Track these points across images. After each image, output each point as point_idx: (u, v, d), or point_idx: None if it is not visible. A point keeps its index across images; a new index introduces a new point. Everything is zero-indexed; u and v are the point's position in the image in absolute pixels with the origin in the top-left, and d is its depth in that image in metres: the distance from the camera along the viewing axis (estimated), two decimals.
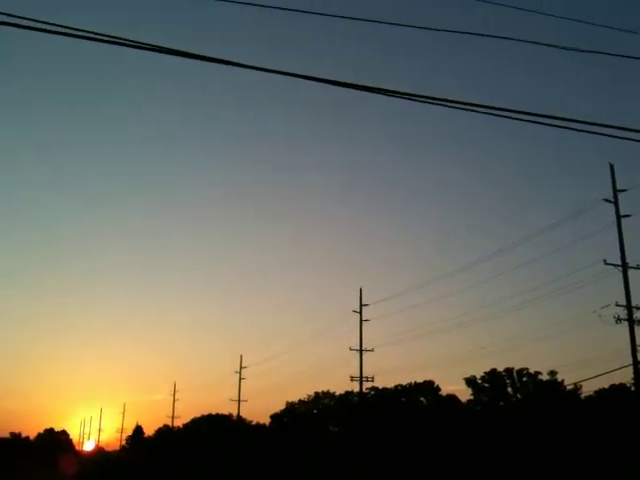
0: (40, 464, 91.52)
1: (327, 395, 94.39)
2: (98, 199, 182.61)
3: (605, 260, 36.83)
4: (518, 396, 79.03)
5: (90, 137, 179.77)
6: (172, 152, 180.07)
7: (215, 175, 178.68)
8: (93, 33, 8.01)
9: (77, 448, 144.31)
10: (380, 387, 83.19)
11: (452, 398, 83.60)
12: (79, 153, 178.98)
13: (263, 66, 8.81)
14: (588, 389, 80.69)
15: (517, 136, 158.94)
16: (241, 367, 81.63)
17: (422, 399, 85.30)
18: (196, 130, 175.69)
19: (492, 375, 79.26)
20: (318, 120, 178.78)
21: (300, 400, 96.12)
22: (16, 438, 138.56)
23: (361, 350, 56.37)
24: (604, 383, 70.59)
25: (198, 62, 8.50)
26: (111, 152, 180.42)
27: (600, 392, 68.06)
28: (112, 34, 8.14)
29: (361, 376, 56.18)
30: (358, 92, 8.94)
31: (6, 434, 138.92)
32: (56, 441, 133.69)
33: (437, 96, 9.19)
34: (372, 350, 56.82)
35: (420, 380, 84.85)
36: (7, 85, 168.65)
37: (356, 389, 60.53)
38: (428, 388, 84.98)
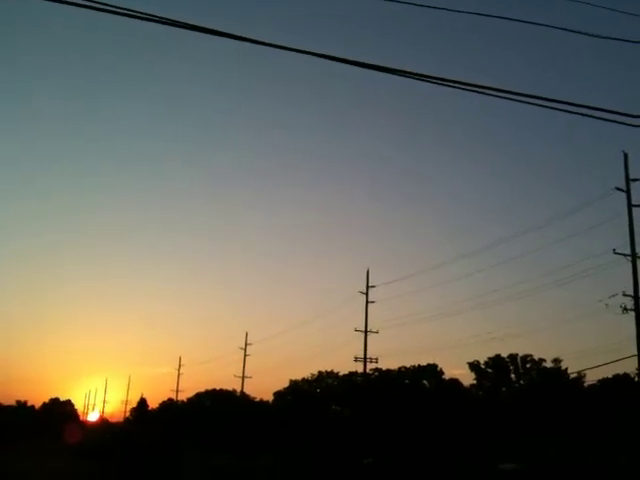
0: (45, 432, 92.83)
1: (331, 375, 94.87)
2: (103, 172, 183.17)
3: (614, 249, 36.59)
4: (521, 382, 79.20)
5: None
6: (175, 123, 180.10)
7: (221, 153, 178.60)
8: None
9: (81, 418, 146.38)
10: (384, 369, 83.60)
11: (455, 382, 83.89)
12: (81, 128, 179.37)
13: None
14: (592, 378, 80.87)
15: (530, 122, 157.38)
16: (246, 344, 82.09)
17: (425, 382, 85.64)
18: (201, 105, 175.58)
19: (496, 361, 79.39)
20: (322, 100, 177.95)
21: (304, 379, 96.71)
22: (22, 406, 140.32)
23: (366, 331, 56.51)
24: (608, 372, 70.62)
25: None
26: (112, 129, 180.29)
27: (604, 381, 68.09)
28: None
29: (365, 357, 56.38)
30: (365, 71, 8.77)
31: (12, 402, 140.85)
32: (61, 411, 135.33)
33: (446, 77, 9.01)
34: (377, 332, 56.99)
35: (424, 363, 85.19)
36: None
37: (360, 370, 61.00)
38: (431, 371, 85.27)
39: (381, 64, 9.00)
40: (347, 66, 9.01)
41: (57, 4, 7.85)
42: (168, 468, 46.15)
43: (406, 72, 8.85)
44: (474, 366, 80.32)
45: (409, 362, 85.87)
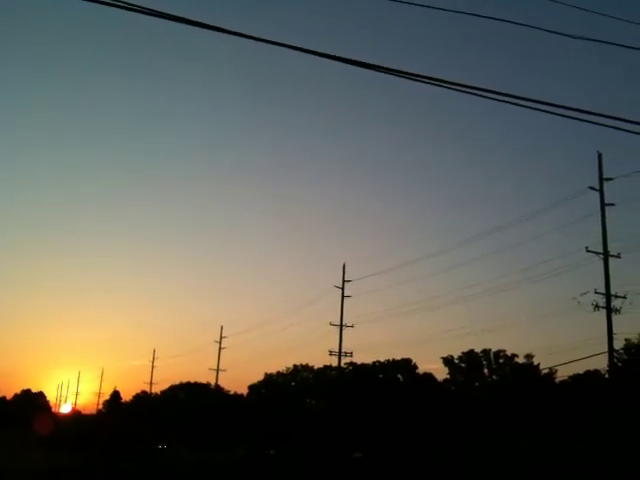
0: (16, 424, 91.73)
1: (306, 368, 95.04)
2: (85, 160, 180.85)
3: (587, 247, 37.18)
4: (494, 377, 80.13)
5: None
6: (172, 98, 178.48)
7: (202, 144, 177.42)
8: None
9: (54, 410, 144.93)
10: (358, 363, 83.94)
11: (429, 376, 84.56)
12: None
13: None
14: (563, 374, 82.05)
15: (507, 120, 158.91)
16: (221, 337, 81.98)
17: (399, 376, 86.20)
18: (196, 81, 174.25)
19: (469, 355, 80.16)
20: (310, 95, 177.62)
21: (279, 372, 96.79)
22: None
23: (341, 326, 56.75)
24: (579, 369, 71.83)
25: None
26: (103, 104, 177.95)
27: (575, 377, 69.22)
28: None
29: (340, 351, 56.66)
30: (357, 69, 8.81)
31: None
32: (33, 402, 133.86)
33: (436, 77, 9.11)
34: (352, 326, 57.27)
35: (398, 357, 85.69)
36: None
37: (335, 363, 61.15)
38: (405, 366, 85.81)
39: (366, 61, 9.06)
40: (337, 63, 9.04)
41: None
42: (142, 461, 45.94)
43: (387, 69, 8.92)
44: (448, 361, 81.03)
45: (383, 356, 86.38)
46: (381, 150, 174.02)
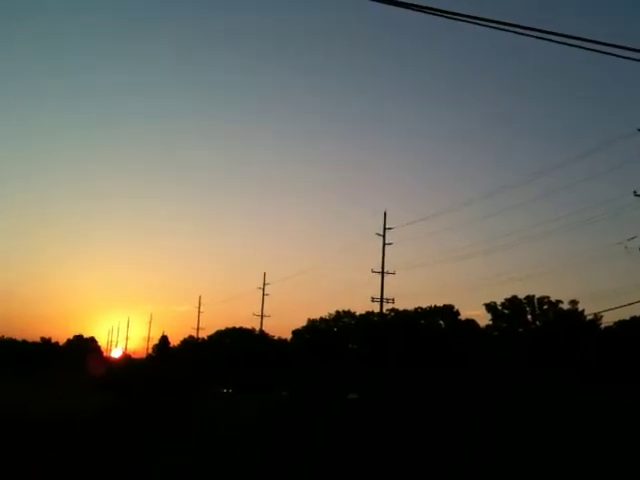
0: (69, 367, 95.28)
1: (348, 314, 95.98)
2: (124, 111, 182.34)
3: (635, 191, 36.01)
4: (537, 324, 79.62)
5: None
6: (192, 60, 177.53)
7: (241, 94, 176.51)
8: None
9: (105, 354, 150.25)
10: (400, 309, 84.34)
11: (471, 323, 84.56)
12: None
13: None
14: (608, 320, 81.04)
15: (554, 61, 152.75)
16: (264, 284, 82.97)
17: (441, 322, 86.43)
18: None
19: (512, 302, 79.66)
20: (340, 42, 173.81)
21: (321, 318, 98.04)
22: (46, 343, 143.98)
23: (383, 272, 56.74)
24: (625, 315, 70.70)
25: None
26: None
27: (621, 323, 68.25)
28: None
29: (382, 297, 56.79)
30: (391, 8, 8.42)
31: (37, 339, 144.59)
32: (85, 347, 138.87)
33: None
34: (394, 273, 57.21)
35: (440, 304, 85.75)
36: None
37: (376, 310, 61.32)
38: (447, 312, 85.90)
39: None
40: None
41: None
42: (191, 404, 47.51)
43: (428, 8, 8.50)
44: (490, 307, 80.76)
45: (425, 303, 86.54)
46: (427, 95, 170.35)
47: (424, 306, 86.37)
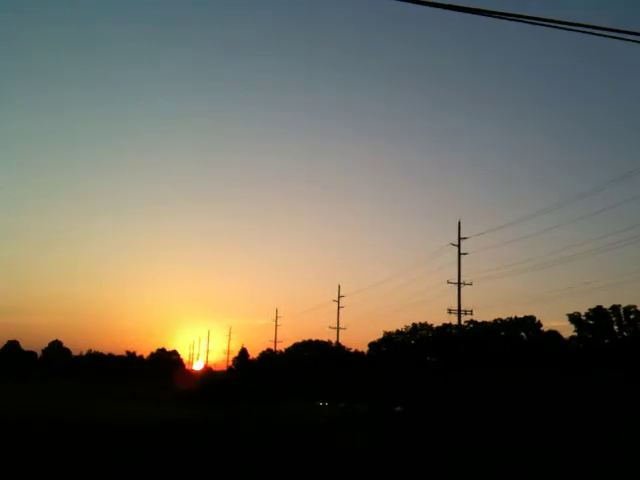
0: (154, 380, 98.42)
1: (424, 327, 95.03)
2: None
3: None
4: (625, 334, 76.37)
5: None
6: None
7: (316, 109, 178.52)
8: None
9: (187, 367, 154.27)
10: (479, 321, 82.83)
11: (554, 334, 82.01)
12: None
13: None
14: None
15: (623, 63, 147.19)
16: (339, 296, 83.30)
17: (522, 334, 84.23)
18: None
19: (597, 312, 76.79)
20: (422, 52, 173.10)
21: (397, 330, 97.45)
22: (131, 356, 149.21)
23: (459, 283, 55.94)
24: None
25: None
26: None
27: None
28: None
29: (459, 309, 55.93)
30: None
31: (122, 352, 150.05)
32: (168, 360, 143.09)
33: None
34: (471, 284, 56.30)
35: (520, 315, 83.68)
36: None
37: (454, 322, 60.60)
38: (529, 323, 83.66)
39: None
40: None
41: None
42: (269, 415, 48.24)
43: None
44: (574, 318, 78.09)
45: (505, 314, 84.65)
46: (503, 102, 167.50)
47: (504, 317, 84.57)
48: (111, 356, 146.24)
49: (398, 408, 56.59)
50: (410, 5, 6.86)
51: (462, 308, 55.99)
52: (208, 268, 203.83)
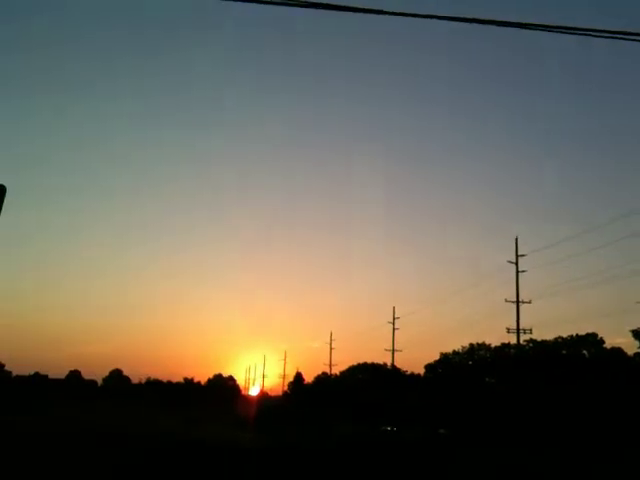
0: (212, 405, 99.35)
1: (482, 347, 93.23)
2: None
3: None
4: None
5: None
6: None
7: (372, 135, 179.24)
8: None
9: (243, 392, 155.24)
10: (539, 339, 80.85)
11: (617, 351, 79.25)
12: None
13: None
14: None
15: None
16: (394, 318, 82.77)
17: (584, 352, 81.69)
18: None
19: None
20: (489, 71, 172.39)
21: (454, 351, 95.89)
22: (189, 382, 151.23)
23: (518, 302, 54.97)
24: None
25: None
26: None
27: None
28: None
29: (518, 328, 54.92)
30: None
31: (180, 379, 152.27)
32: (225, 385, 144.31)
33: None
34: (529, 302, 55.28)
35: (582, 332, 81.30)
36: None
37: (513, 341, 59.33)
38: (591, 340, 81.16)
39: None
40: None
41: None
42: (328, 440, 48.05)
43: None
44: (638, 334, 75.30)
45: (566, 332, 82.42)
46: (557, 118, 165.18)
47: (565, 335, 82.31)
48: (169, 383, 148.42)
49: (442, 430, 55.61)
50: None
51: (521, 327, 55.01)
52: (262, 292, 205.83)
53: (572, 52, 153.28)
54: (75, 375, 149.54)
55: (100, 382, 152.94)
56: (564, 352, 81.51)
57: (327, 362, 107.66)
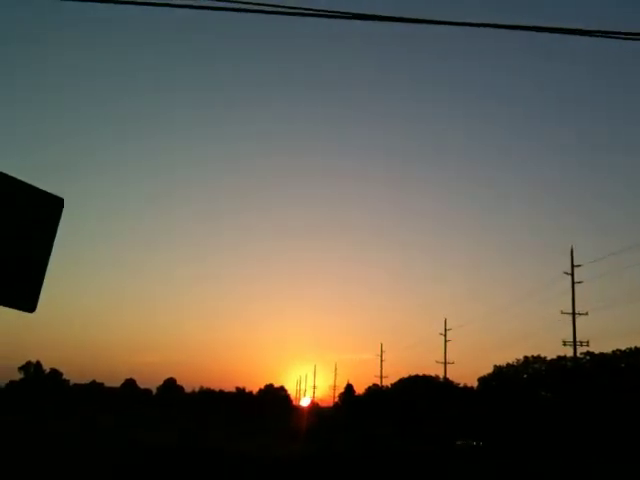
0: (264, 416, 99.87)
1: (537, 359, 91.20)
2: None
3: None
4: None
5: None
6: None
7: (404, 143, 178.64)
8: None
9: (294, 403, 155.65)
10: (596, 352, 78.62)
11: None
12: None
13: None
14: None
15: None
16: (446, 330, 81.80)
17: None
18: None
19: None
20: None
21: (508, 364, 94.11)
22: (241, 392, 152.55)
23: (574, 313, 53.66)
24: None
25: None
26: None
27: None
28: None
29: (574, 340, 53.56)
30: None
31: (232, 388, 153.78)
32: (276, 396, 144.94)
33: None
34: (586, 314, 53.87)
35: None
36: None
37: (569, 354, 57.93)
38: None
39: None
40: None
41: None
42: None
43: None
44: None
45: (624, 344, 79.92)
46: (606, 126, 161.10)
47: (623, 348, 79.81)
48: (221, 392, 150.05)
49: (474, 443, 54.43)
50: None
51: (577, 339, 53.61)
52: (314, 304, 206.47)
53: None
54: (130, 384, 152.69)
55: (154, 391, 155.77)
56: (622, 365, 79.08)
57: (377, 374, 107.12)
